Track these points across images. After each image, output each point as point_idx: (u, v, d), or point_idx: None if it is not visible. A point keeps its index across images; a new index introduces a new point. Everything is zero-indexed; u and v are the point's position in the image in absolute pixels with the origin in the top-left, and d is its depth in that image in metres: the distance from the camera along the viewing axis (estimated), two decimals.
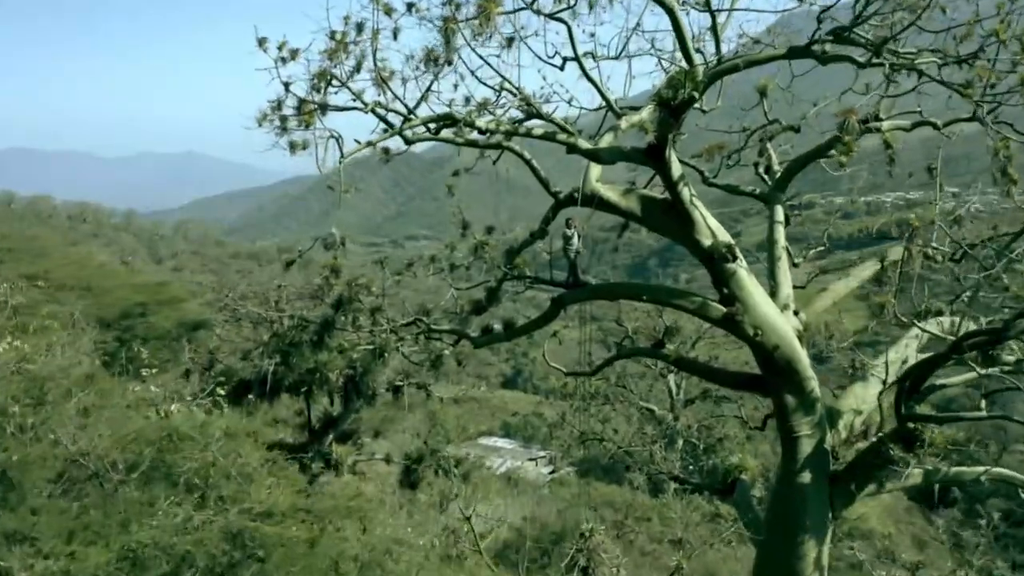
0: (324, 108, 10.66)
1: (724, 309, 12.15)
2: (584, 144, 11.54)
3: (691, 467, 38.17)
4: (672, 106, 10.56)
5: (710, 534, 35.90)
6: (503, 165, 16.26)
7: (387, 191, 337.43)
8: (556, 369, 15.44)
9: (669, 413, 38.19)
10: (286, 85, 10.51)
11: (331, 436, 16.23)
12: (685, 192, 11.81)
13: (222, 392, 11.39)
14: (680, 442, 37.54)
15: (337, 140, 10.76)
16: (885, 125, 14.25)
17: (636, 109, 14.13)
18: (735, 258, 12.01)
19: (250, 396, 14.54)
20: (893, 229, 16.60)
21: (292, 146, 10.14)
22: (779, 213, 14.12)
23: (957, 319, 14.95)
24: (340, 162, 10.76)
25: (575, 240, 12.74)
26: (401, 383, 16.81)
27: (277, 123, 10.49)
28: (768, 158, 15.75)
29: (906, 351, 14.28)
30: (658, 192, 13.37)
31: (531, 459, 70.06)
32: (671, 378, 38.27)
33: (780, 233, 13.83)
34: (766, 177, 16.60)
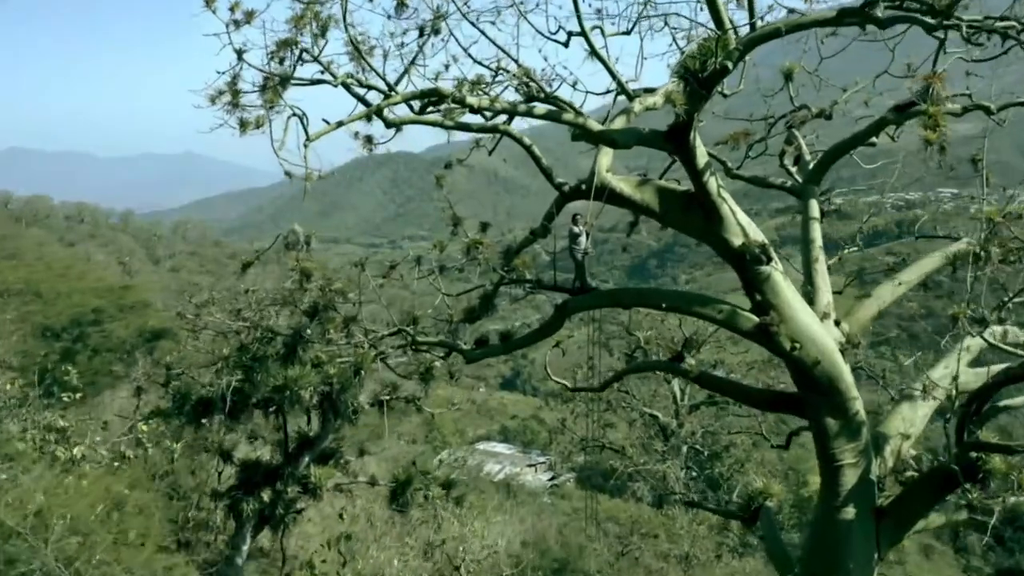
0: (285, 81, 8.92)
1: (756, 319, 10.42)
2: (595, 125, 9.81)
3: (695, 473, 36.66)
4: (700, 78, 8.85)
5: (717, 547, 34.44)
6: (500, 156, 14.62)
7: (386, 192, 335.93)
8: (560, 384, 13.73)
9: (673, 420, 36.61)
10: (239, 53, 8.78)
11: (307, 459, 14.48)
12: (712, 183, 10.09)
13: (145, 428, 9.67)
14: (684, 448, 35.99)
15: (300, 119, 9.03)
16: (933, 109, 12.53)
17: (651, 91, 12.46)
18: (770, 260, 10.29)
19: (203, 421, 12.81)
20: (937, 227, 14.96)
21: (243, 125, 8.40)
22: (814, 208, 12.40)
23: (1007, 329, 13.31)
24: (305, 145, 9.03)
25: (583, 239, 11.01)
26: (387, 397, 15.08)
27: (228, 98, 8.74)
28: (798, 147, 14.03)
29: (956, 366, 12.55)
30: (673, 183, 11.68)
31: (530, 465, 68.67)
32: (675, 383, 36.63)
33: (816, 231, 12.11)
34: (792, 169, 14.95)
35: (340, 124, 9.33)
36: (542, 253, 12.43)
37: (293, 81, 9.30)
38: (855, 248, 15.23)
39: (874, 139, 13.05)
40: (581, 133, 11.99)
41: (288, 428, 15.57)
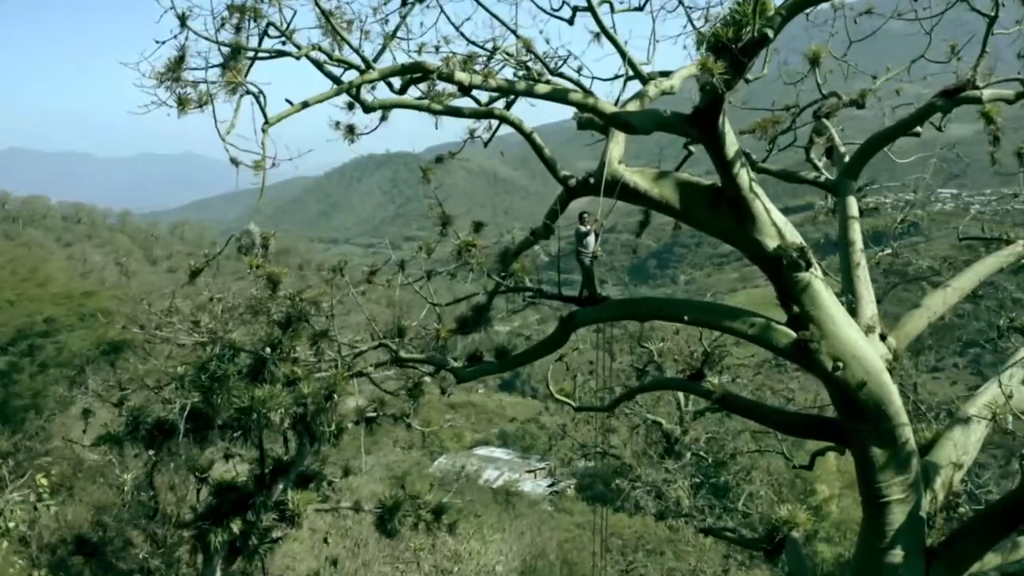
0: (237, 52, 7.47)
1: (793, 334, 8.95)
2: (607, 106, 8.35)
3: (699, 480, 35.17)
4: (734, 50, 7.39)
5: (724, 560, 33.03)
6: (496, 148, 13.21)
7: (386, 192, 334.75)
8: (565, 403, 12.28)
9: (677, 427, 35.23)
10: (182, 19, 7.31)
11: (281, 486, 13.02)
12: (743, 176, 8.63)
13: (45, 482, 8.18)
14: (688, 455, 34.61)
15: (257, 99, 7.57)
16: (986, 94, 11.12)
17: (667, 74, 11.08)
18: (809, 265, 8.82)
19: (150, 452, 11.27)
20: (984, 228, 13.52)
21: (182, 103, 6.93)
22: (852, 206, 10.92)
23: None
24: (263, 130, 7.57)
25: (591, 240, 9.54)
26: (373, 414, 13.64)
27: (170, 74, 7.27)
28: (829, 139, 12.59)
29: (1010, 383, 11.10)
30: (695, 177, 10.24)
31: (529, 471, 67.37)
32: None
33: (856, 231, 10.63)
34: (820, 163, 13.55)
35: (305, 105, 7.86)
36: (543, 255, 11.00)
37: (251, 53, 7.85)
38: (887, 251, 13.83)
39: (918, 128, 11.63)
40: (587, 120, 10.56)
41: (265, 449, 14.11)
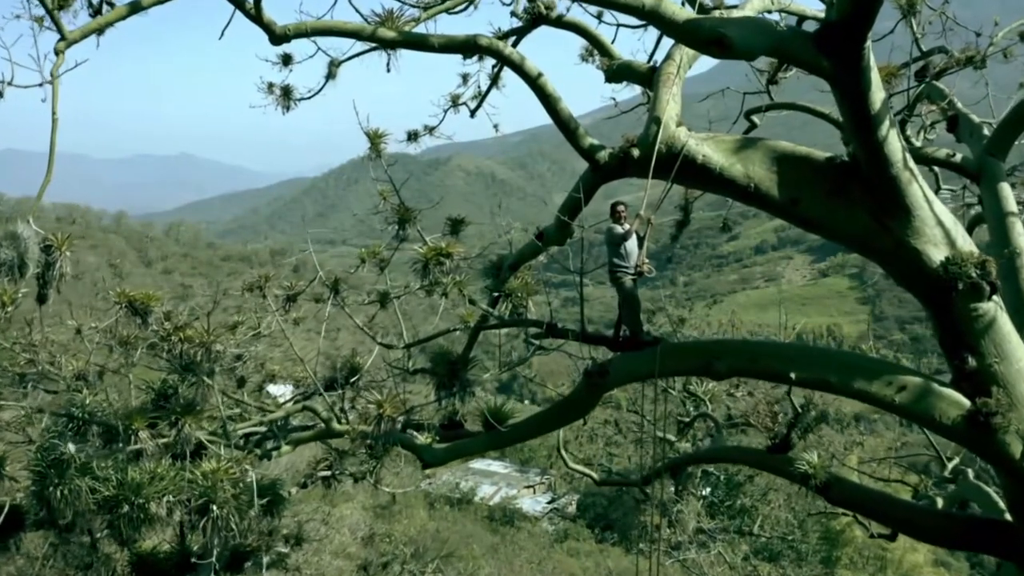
0: None
1: (967, 402, 5.46)
2: (678, 10, 4.84)
3: (715, 500, 32.06)
4: None
5: None
6: (493, 125, 9.98)
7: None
8: (586, 475, 8.86)
9: (689, 444, 32.10)
10: None
11: None
12: (894, 143, 5.15)
13: None
14: (699, 473, 31.64)
15: None
16: None
17: (731, 9, 7.73)
18: (995, 290, 5.35)
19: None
20: None
21: None
22: (1008, 196, 7.38)
23: None
24: (58, 49, 4.11)
25: (633, 248, 5.99)
26: (326, 472, 10.28)
27: None
28: (950, 105, 9.16)
29: None
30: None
31: (528, 486, 64.39)
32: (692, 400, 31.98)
33: (1020, 235, 7.11)
34: (916, 140, 10.22)
35: (136, 8, 4.35)
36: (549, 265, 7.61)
37: None
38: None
39: None
40: (622, 68, 7.08)
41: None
